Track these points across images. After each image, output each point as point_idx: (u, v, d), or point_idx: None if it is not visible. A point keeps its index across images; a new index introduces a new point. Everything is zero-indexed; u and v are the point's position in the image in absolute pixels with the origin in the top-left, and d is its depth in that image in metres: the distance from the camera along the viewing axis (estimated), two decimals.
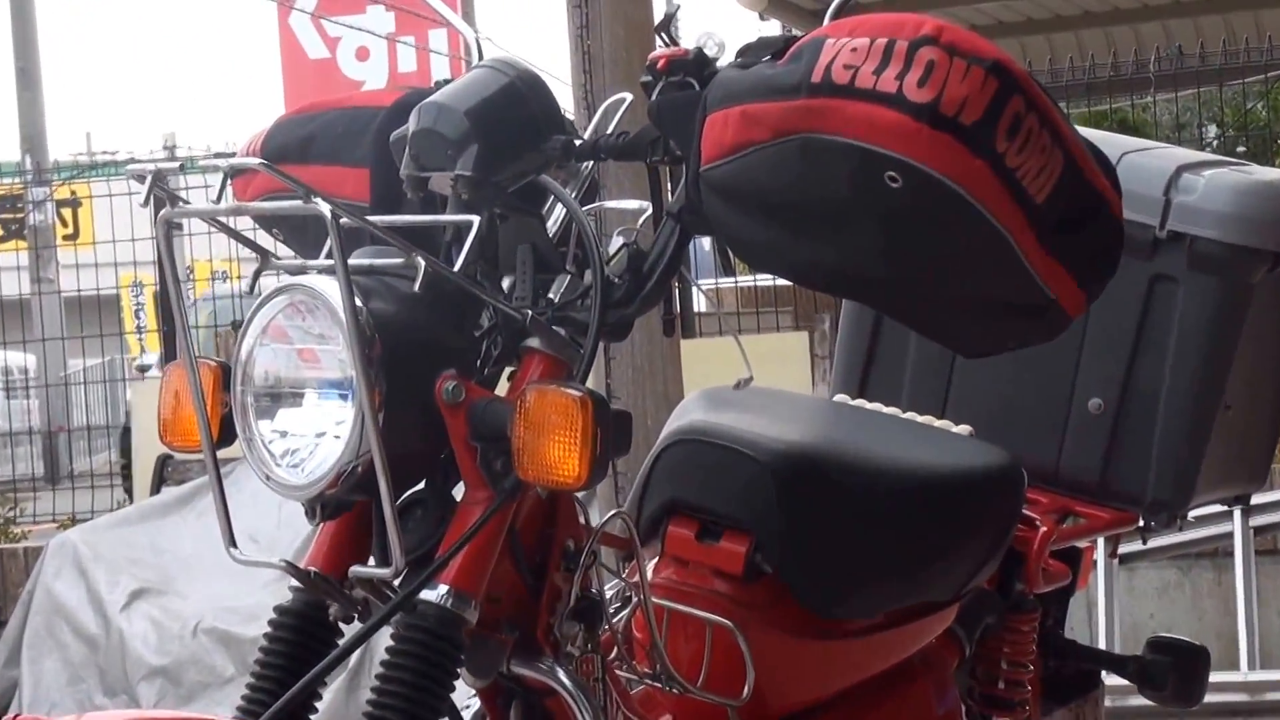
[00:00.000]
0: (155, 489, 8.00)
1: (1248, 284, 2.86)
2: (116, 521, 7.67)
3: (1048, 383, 2.84)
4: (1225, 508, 5.79)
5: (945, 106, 1.98)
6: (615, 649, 2.26)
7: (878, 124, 1.98)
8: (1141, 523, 2.96)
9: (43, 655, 7.18)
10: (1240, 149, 11.58)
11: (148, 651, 7.03)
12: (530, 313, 2.11)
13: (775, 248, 2.19)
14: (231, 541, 2.20)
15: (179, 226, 6.63)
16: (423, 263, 2.07)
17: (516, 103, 2.16)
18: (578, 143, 2.23)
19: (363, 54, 18.43)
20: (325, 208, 2.02)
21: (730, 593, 2.41)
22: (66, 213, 18.38)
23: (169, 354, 10.53)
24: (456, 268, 2.10)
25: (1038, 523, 2.78)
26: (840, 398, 2.96)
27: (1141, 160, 2.81)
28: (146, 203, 2.17)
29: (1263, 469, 3.21)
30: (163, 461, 8.04)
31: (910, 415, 2.82)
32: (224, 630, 6.89)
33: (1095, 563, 3.60)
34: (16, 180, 18.64)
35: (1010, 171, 2.01)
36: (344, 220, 2.04)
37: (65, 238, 17.85)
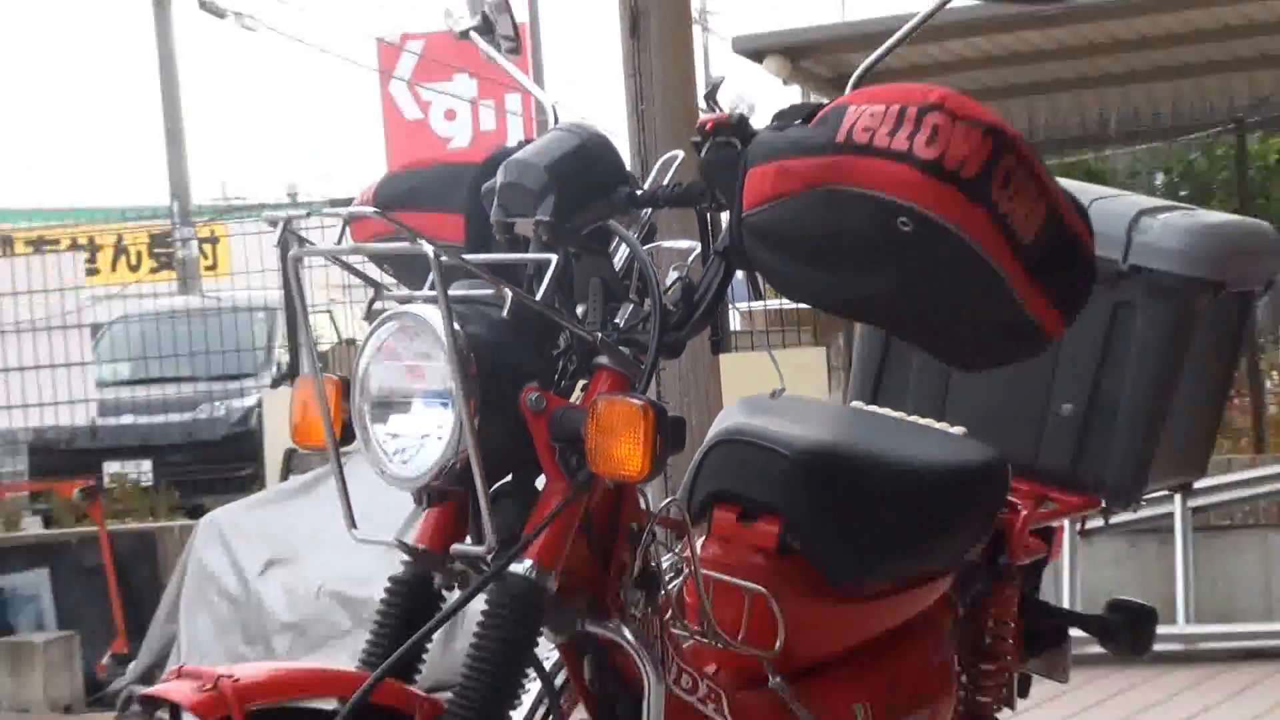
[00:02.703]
0: (284, 477, 8.05)
1: (1195, 310, 2.85)
2: (254, 504, 7.74)
3: (1028, 391, 2.83)
4: (1170, 493, 5.83)
5: (948, 162, 1.96)
6: (669, 611, 2.26)
7: (892, 177, 1.97)
8: (1104, 506, 2.96)
9: (195, 613, 7.25)
10: (1183, 194, 11.52)
11: (280, 610, 7.11)
12: (600, 335, 2.11)
13: (804, 281, 2.18)
14: (352, 523, 2.22)
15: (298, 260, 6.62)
16: (510, 294, 2.07)
17: (588, 160, 2.15)
18: (639, 193, 2.22)
19: (450, 115, 18.58)
20: (428, 248, 2.03)
21: (764, 565, 2.41)
22: (207, 248, 18.43)
23: (293, 369, 10.54)
24: (538, 298, 2.09)
25: (1020, 507, 2.78)
26: (856, 404, 2.96)
27: (1107, 205, 2.79)
28: (279, 245, 2.18)
29: (1202, 462, 3.22)
30: (289, 455, 8.08)
31: (914, 419, 2.81)
32: (342, 593, 6.94)
33: (1064, 539, 3.59)
34: (166, 221, 18.80)
35: (1003, 217, 2.00)
36: (444, 259, 2.03)
37: (206, 269, 17.92)
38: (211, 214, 19.24)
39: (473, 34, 2.45)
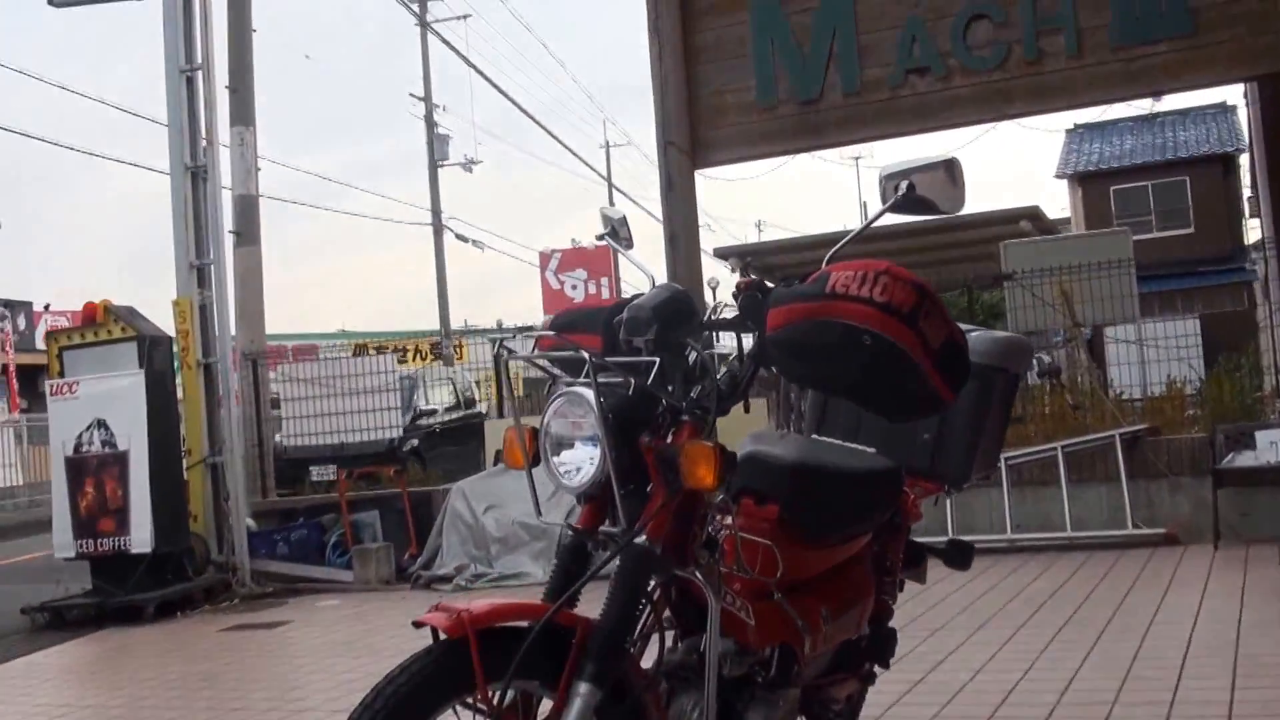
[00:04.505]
0: (495, 464, 7.67)
1: (992, 384, 2.42)
2: (481, 477, 7.31)
3: (904, 426, 2.39)
4: (982, 479, 5.39)
5: (894, 305, 1.58)
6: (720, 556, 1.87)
7: (860, 313, 1.58)
8: (946, 489, 2.55)
9: (450, 533, 6.87)
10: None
11: (493, 531, 6.70)
12: (684, 404, 1.73)
13: (801, 372, 1.77)
14: (539, 511, 1.82)
15: (507, 361, 6.32)
16: (633, 379, 1.70)
17: (674, 305, 1.78)
18: (702, 321, 1.83)
19: (574, 287, 18.15)
20: (585, 353, 1.68)
21: (770, 529, 2.01)
22: (457, 348, 17.88)
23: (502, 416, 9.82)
24: (648, 382, 1.71)
25: (909, 492, 2.38)
26: (814, 436, 2.55)
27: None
28: (495, 353, 1.79)
29: (995, 462, 2.74)
30: (498, 454, 7.71)
31: (843, 443, 2.42)
32: (525, 523, 6.57)
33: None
34: (437, 336, 18.43)
35: (923, 334, 1.61)
36: (593, 360, 1.68)
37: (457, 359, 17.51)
38: (462, 333, 18.83)
39: (607, 238, 2.07)
